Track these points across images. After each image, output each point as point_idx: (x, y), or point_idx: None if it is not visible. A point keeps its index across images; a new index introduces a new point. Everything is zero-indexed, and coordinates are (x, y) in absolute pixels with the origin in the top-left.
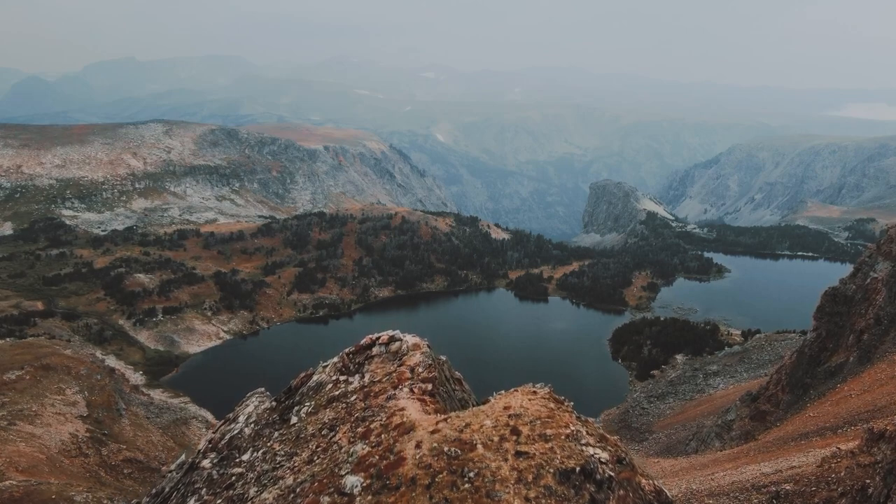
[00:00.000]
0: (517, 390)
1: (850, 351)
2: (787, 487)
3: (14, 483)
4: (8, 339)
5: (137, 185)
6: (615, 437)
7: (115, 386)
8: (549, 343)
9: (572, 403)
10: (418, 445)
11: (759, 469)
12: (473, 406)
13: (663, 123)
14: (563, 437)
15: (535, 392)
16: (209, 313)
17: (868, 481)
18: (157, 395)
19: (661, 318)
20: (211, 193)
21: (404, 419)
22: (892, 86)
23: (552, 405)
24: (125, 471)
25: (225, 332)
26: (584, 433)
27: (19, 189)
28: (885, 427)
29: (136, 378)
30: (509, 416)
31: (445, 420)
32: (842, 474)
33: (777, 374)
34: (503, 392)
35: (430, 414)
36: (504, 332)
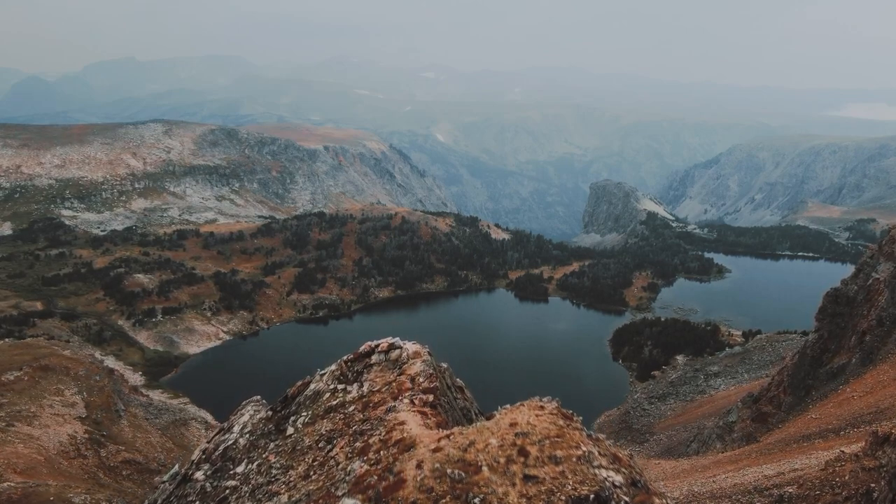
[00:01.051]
0: (523, 405)
1: (853, 352)
2: (790, 490)
3: (12, 485)
4: (7, 340)
5: (137, 185)
6: (627, 453)
7: (114, 387)
8: (549, 343)
9: (581, 418)
10: (419, 465)
11: (761, 471)
12: (476, 415)
13: (663, 123)
14: (574, 458)
15: (542, 407)
16: (209, 314)
17: (873, 485)
18: (157, 395)
19: (662, 319)
20: (210, 193)
21: (405, 434)
22: (892, 86)
23: (561, 422)
24: (124, 472)
25: (224, 332)
26: (597, 454)
27: (19, 189)
28: (890, 430)
29: (136, 379)
30: (516, 434)
31: (448, 437)
32: (846, 478)
33: (779, 375)
34: (508, 406)
35: (431, 428)
36: (504, 332)
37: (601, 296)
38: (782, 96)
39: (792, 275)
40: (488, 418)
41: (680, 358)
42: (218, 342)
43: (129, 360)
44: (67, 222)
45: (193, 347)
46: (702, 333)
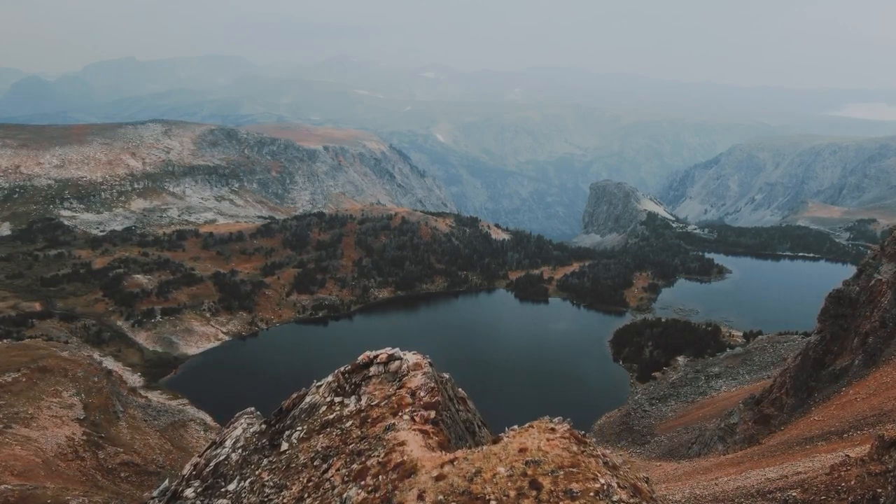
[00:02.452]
0: (532, 426)
1: (855, 354)
2: (794, 494)
3: (9, 487)
4: (5, 341)
5: (136, 186)
6: (643, 476)
7: (112, 388)
8: (549, 344)
9: (595, 439)
10: (421, 496)
11: (763, 474)
12: (479, 428)
13: (663, 123)
14: (591, 493)
15: (553, 429)
16: (208, 314)
17: (879, 490)
18: (156, 397)
19: (662, 319)
20: (210, 194)
21: (405, 457)
22: (892, 86)
23: (575, 448)
24: (122, 474)
25: (224, 333)
26: (616, 486)
27: (17, 189)
28: None
29: (135, 380)
30: (526, 462)
31: (452, 462)
32: (852, 483)
33: (781, 376)
34: (517, 427)
35: (433, 449)
36: (504, 332)
37: (601, 296)
38: (782, 96)
39: (792, 275)
40: (495, 441)
41: (681, 359)
42: (217, 343)
43: (128, 360)
44: (66, 223)
45: (192, 348)
46: (702, 334)
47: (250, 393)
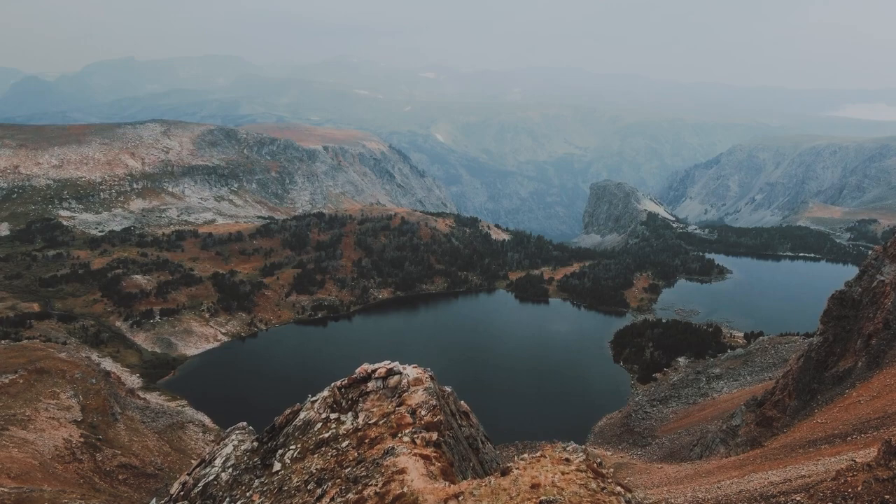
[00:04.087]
0: (545, 456)
1: (859, 356)
2: (799, 499)
3: (6, 490)
4: (3, 342)
5: (135, 186)
6: None
7: (110, 390)
8: (550, 345)
9: (612, 469)
10: None
11: (766, 478)
12: (482, 443)
13: (663, 123)
14: None
15: (567, 460)
16: (207, 315)
17: (888, 497)
18: (154, 398)
19: (663, 320)
20: (209, 194)
21: (405, 489)
22: (892, 86)
23: (594, 484)
24: (120, 477)
25: (223, 334)
26: None
27: (16, 189)
28: None
29: (133, 381)
30: (540, 502)
31: (456, 497)
32: (859, 489)
33: (783, 378)
34: (527, 457)
35: (436, 477)
36: (505, 333)
37: (602, 297)
38: (782, 96)
39: (793, 276)
40: (503, 473)
41: (681, 360)
42: (216, 344)
43: (127, 362)
44: (65, 223)
45: (191, 349)
46: (703, 335)
47: (249, 394)
